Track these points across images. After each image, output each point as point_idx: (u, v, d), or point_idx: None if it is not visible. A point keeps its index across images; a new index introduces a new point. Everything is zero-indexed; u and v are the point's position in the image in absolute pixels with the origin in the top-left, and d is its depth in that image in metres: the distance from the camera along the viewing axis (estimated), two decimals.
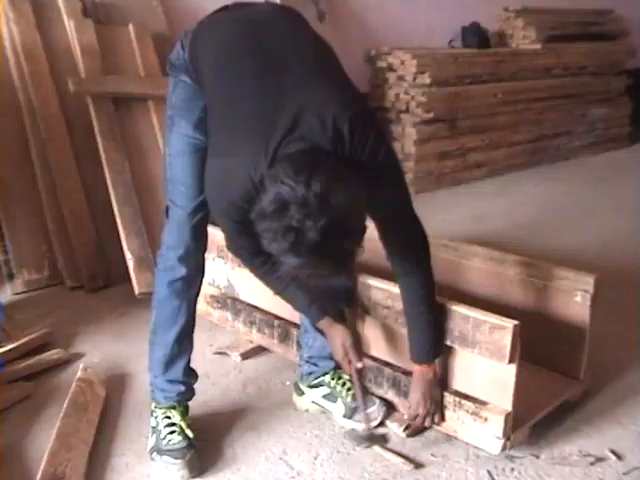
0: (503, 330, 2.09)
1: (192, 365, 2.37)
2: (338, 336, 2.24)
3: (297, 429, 2.39)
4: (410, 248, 2.15)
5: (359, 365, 2.24)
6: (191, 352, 2.33)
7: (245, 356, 2.87)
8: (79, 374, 2.60)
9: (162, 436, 2.23)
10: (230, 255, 2.85)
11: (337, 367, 2.46)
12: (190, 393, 2.34)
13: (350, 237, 1.64)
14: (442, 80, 5.40)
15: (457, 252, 2.73)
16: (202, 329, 3.02)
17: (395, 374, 2.41)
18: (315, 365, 2.49)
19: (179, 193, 2.16)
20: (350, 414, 2.40)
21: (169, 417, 2.26)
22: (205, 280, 2.99)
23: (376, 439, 2.30)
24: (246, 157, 1.81)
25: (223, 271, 2.98)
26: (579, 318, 2.42)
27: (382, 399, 2.43)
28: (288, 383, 2.64)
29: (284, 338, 2.74)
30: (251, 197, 1.75)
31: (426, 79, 5.28)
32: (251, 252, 2.05)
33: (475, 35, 5.91)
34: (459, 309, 2.20)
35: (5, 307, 3.20)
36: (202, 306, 3.09)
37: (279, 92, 1.82)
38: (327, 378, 2.47)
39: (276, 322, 2.78)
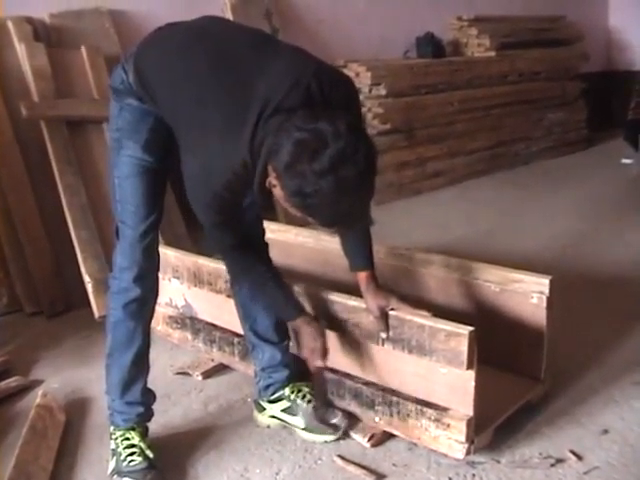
0: (459, 337, 2.11)
1: (153, 386, 2.36)
2: (310, 334, 2.25)
3: (259, 446, 2.38)
4: None
5: (319, 363, 2.26)
6: (148, 373, 2.32)
7: (206, 375, 2.85)
8: (38, 400, 2.57)
9: (122, 458, 2.21)
10: (186, 275, 2.86)
11: (291, 376, 2.47)
12: (149, 413, 2.33)
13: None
14: (398, 91, 5.44)
15: (412, 260, 2.75)
16: (163, 350, 3.03)
17: (356, 386, 2.42)
18: (269, 376, 2.49)
19: (129, 214, 2.15)
20: (311, 427, 2.39)
21: (128, 439, 2.24)
22: (162, 301, 3.03)
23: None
24: (222, 148, 1.87)
25: (180, 291, 2.98)
26: (536, 320, 2.44)
27: (344, 411, 2.43)
28: (250, 400, 2.63)
29: (244, 355, 2.73)
30: (232, 185, 1.91)
31: (382, 90, 5.31)
32: (233, 245, 2.12)
33: (429, 45, 5.96)
34: (415, 319, 2.21)
35: None
36: (161, 327, 3.09)
37: (240, 80, 1.89)
38: (287, 391, 2.47)
39: (236, 339, 2.77)
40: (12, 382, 2.78)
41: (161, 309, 3.06)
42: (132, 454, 2.21)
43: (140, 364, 2.28)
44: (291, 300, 2.28)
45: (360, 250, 2.29)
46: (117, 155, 2.15)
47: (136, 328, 2.24)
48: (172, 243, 3.33)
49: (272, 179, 1.79)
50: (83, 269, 3.36)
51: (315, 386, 2.50)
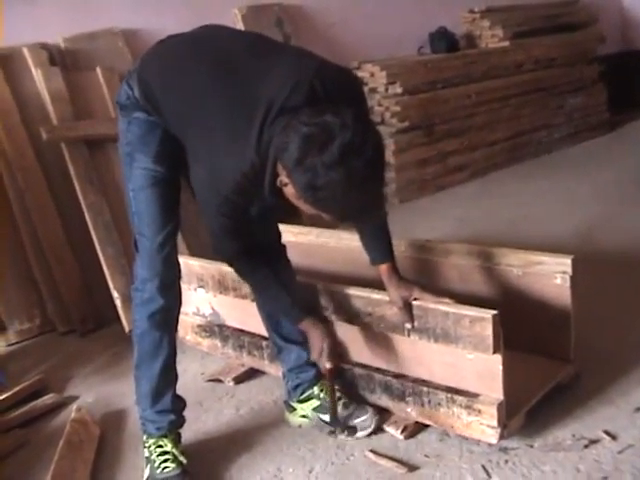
0: (483, 321, 2.10)
1: (185, 395, 2.38)
2: (317, 336, 2.28)
3: (290, 445, 2.39)
4: None
5: (328, 365, 2.27)
6: (176, 380, 2.34)
7: (238, 380, 2.86)
8: (72, 415, 2.61)
9: (156, 465, 2.24)
10: (211, 283, 2.88)
11: (319, 375, 2.46)
12: (180, 420, 2.35)
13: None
14: (414, 88, 5.42)
15: (434, 252, 2.75)
16: (193, 359, 3.06)
17: (386, 379, 2.42)
18: (297, 377, 2.49)
19: (146, 225, 2.18)
20: (342, 424, 2.39)
21: (161, 446, 2.26)
22: (190, 310, 3.06)
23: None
24: (229, 151, 1.89)
25: (206, 300, 3.00)
26: (561, 300, 2.43)
27: (375, 407, 2.43)
28: (280, 402, 2.64)
29: (274, 358, 2.74)
30: (242, 188, 1.91)
31: (397, 88, 5.30)
32: (240, 251, 2.14)
33: (443, 40, 5.94)
34: (438, 307, 2.21)
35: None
36: (191, 336, 3.11)
37: (243, 85, 1.92)
38: (316, 390, 2.47)
39: (264, 343, 2.78)
40: (47, 400, 2.82)
41: (189, 319, 3.09)
42: (166, 461, 2.23)
43: (169, 373, 2.30)
44: (296, 303, 2.28)
45: (379, 243, 2.30)
46: (130, 168, 2.18)
47: (162, 338, 2.26)
48: (198, 253, 3.35)
49: (283, 178, 1.81)
50: (111, 285, 3.40)
51: (345, 382, 2.50)
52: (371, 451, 2.29)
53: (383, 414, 2.42)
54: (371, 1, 5.78)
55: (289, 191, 1.82)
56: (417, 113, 5.43)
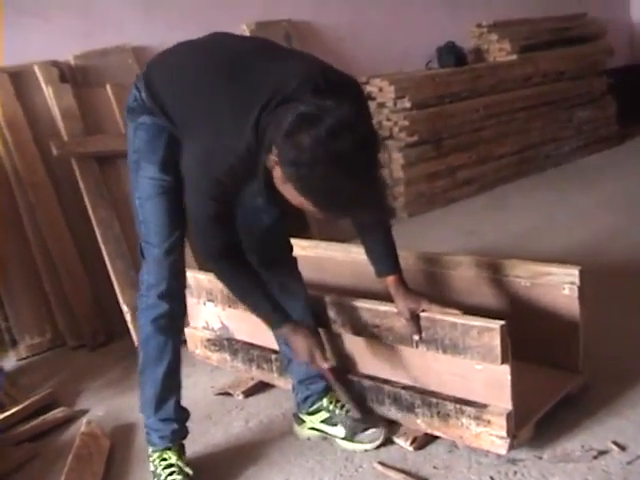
0: (491, 332, 2.11)
1: (194, 408, 2.41)
2: (302, 340, 2.24)
3: (299, 457, 2.39)
4: None
5: (326, 365, 2.25)
6: (180, 389, 2.35)
7: (247, 393, 2.87)
8: (82, 428, 2.62)
9: (163, 478, 2.25)
10: (220, 297, 2.89)
11: (328, 387, 2.46)
12: (184, 431, 2.36)
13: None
14: (422, 102, 5.44)
15: (441, 264, 2.75)
16: (203, 372, 3.07)
17: (395, 390, 2.42)
18: (307, 388, 2.50)
19: (153, 233, 2.20)
20: (351, 437, 2.40)
21: (166, 459, 2.28)
22: (199, 324, 3.07)
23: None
24: (226, 130, 1.89)
25: (215, 313, 3.01)
26: (570, 310, 2.42)
27: (384, 419, 2.44)
28: (289, 414, 2.64)
29: (283, 371, 2.74)
30: (234, 171, 1.91)
31: (406, 103, 5.32)
32: (225, 246, 2.10)
33: (451, 54, 5.95)
34: (446, 318, 2.22)
35: (10, 373, 3.25)
36: (200, 350, 3.12)
37: (249, 78, 1.93)
38: (325, 402, 2.48)
39: (273, 356, 2.79)
40: (58, 413, 2.83)
41: (198, 333, 3.11)
42: (172, 473, 2.25)
43: (172, 379, 2.32)
44: (278, 309, 2.24)
45: (384, 255, 2.31)
46: (136, 177, 2.21)
47: (166, 342, 2.28)
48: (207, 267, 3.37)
49: (273, 157, 1.78)
50: (121, 299, 3.42)
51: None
52: (380, 463, 2.28)
53: (392, 426, 2.42)
54: (379, 16, 5.80)
55: (277, 174, 1.79)
56: (425, 127, 5.44)
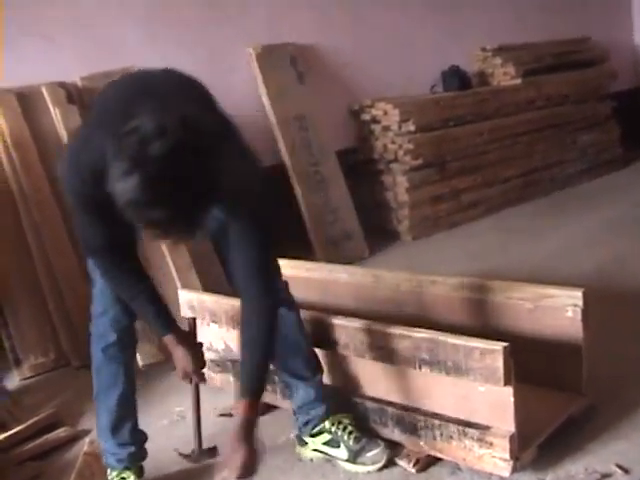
0: (494, 353, 2.11)
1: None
2: (180, 358, 2.28)
3: (302, 479, 2.39)
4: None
5: (193, 382, 2.36)
6: (135, 414, 2.40)
7: None
8: (85, 448, 2.63)
9: None
10: (224, 318, 2.90)
11: (329, 410, 2.47)
12: (142, 453, 2.41)
13: (190, 180, 1.63)
14: (426, 125, 5.46)
15: (445, 286, 2.76)
16: (206, 393, 3.02)
17: (398, 412, 2.43)
18: (307, 413, 2.50)
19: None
20: (354, 458, 2.39)
21: (124, 478, 2.33)
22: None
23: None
24: (102, 133, 1.85)
25: (219, 334, 3.01)
26: (573, 333, 2.43)
27: (387, 441, 2.43)
28: (292, 436, 2.64)
29: (286, 392, 2.75)
30: (99, 170, 1.76)
31: (410, 126, 5.34)
32: (104, 247, 2.09)
33: (455, 78, 5.97)
34: (449, 339, 2.22)
35: (13, 392, 3.26)
36: (204, 372, 3.11)
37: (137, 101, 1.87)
38: (327, 424, 2.47)
39: (277, 378, 2.78)
40: (61, 433, 2.84)
41: None
42: None
43: (126, 406, 2.36)
44: (161, 316, 2.24)
45: (245, 368, 2.18)
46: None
47: (118, 371, 2.32)
48: (211, 288, 3.38)
49: None
50: None
51: (356, 416, 2.50)
52: None
53: (395, 448, 2.42)
54: (384, 40, 5.85)
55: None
56: (430, 150, 5.45)
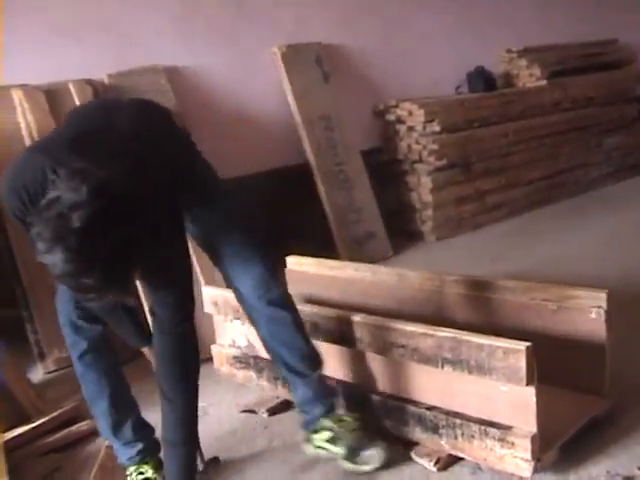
0: (517, 353, 2.11)
1: (219, 425, 2.51)
2: None
3: (322, 477, 2.40)
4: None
5: None
6: (135, 411, 2.42)
7: (272, 412, 2.87)
8: (107, 441, 2.63)
9: None
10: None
11: (329, 408, 2.49)
12: (152, 447, 2.42)
13: (112, 244, 1.65)
14: (451, 126, 5.45)
15: (469, 286, 2.75)
16: (228, 389, 3.08)
17: (420, 411, 2.42)
18: (307, 412, 2.51)
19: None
20: (351, 456, 2.39)
21: (142, 472, 2.36)
22: (225, 342, 3.08)
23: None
24: (48, 157, 1.89)
25: (242, 331, 3.03)
26: (597, 334, 2.42)
27: (386, 441, 2.44)
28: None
29: (289, 388, 2.75)
30: (34, 190, 1.84)
31: (435, 127, 5.33)
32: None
33: (480, 79, 5.96)
34: (472, 338, 2.22)
35: (37, 385, 3.28)
36: (226, 368, 3.14)
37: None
38: (328, 422, 2.46)
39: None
40: (83, 426, 2.85)
41: (224, 350, 3.12)
42: None
43: (120, 407, 2.38)
44: (139, 329, 2.34)
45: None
46: None
47: (100, 378, 2.35)
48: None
49: None
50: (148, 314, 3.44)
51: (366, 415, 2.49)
52: None
53: (411, 445, 2.42)
54: (409, 41, 5.84)
55: None
56: (455, 151, 5.44)
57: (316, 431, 2.49)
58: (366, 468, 2.37)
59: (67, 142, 1.94)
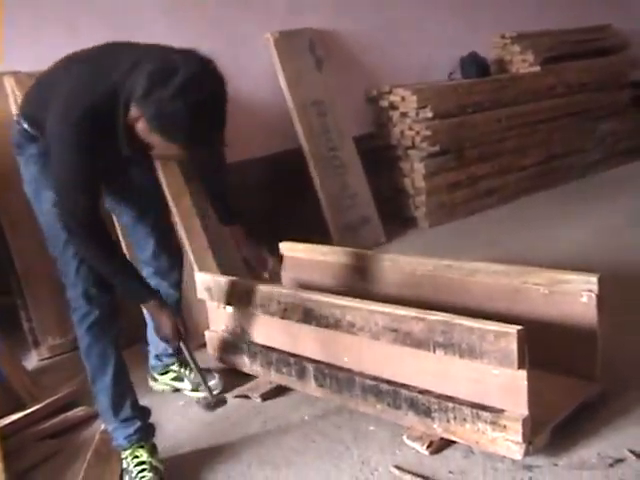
0: (508, 336, 2.12)
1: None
2: (167, 317, 2.34)
3: (316, 460, 2.41)
4: None
5: (176, 343, 2.43)
6: (133, 390, 2.45)
7: (265, 397, 2.89)
8: (102, 427, 2.65)
9: (134, 475, 2.33)
10: (240, 300, 2.92)
11: (175, 352, 2.86)
12: (150, 429, 2.45)
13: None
14: (444, 112, 5.44)
15: (460, 270, 2.77)
16: (221, 375, 3.08)
17: (412, 395, 2.43)
18: (161, 360, 3.00)
19: (64, 248, 2.31)
20: (196, 387, 2.90)
21: (137, 456, 2.36)
22: (218, 328, 3.09)
23: (219, 403, 2.57)
24: (85, 86, 2.12)
25: (234, 317, 3.03)
26: (588, 318, 2.43)
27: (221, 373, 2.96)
28: (307, 418, 2.68)
29: (301, 374, 2.77)
30: (92, 116, 2.04)
31: (428, 113, 5.33)
32: (87, 216, 2.13)
33: (473, 65, 5.94)
34: (463, 322, 2.23)
35: (31, 372, 3.29)
36: (219, 354, 3.14)
37: (109, 59, 2.27)
38: (174, 366, 3.00)
39: (292, 359, 2.81)
40: (78, 412, 2.87)
41: (218, 336, 3.13)
42: (142, 470, 2.32)
43: (122, 382, 2.41)
44: (145, 284, 2.36)
45: (227, 206, 2.75)
46: (38, 204, 2.34)
47: (106, 349, 2.36)
48: (227, 272, 3.41)
49: (134, 114, 1.97)
50: None
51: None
52: (396, 467, 2.30)
53: (406, 429, 2.44)
54: (402, 26, 5.81)
55: (140, 126, 1.98)
56: (447, 137, 5.45)
57: (162, 373, 3.01)
58: (207, 394, 2.55)
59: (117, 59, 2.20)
